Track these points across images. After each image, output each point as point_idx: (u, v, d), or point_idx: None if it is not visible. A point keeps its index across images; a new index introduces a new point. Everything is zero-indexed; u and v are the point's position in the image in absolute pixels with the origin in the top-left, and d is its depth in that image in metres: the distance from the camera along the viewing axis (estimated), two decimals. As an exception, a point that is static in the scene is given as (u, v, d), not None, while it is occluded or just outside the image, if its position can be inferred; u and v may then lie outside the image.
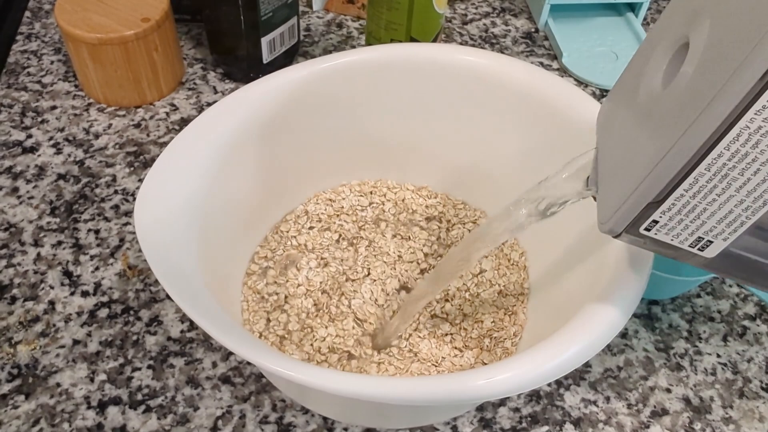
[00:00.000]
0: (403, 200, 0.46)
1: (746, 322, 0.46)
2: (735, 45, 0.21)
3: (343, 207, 0.45)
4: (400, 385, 0.28)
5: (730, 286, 0.48)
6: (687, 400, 0.41)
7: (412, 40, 0.49)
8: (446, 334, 0.39)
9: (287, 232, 0.44)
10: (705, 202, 0.24)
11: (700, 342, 0.44)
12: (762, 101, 0.21)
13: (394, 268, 0.42)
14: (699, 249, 0.26)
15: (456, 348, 0.39)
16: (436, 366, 0.38)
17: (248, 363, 0.41)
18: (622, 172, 0.26)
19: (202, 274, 0.34)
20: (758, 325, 0.45)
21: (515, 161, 0.42)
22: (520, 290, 0.41)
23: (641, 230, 0.26)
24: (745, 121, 0.21)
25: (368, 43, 0.52)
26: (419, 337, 0.39)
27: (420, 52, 0.40)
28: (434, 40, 0.50)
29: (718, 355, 0.44)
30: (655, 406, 0.41)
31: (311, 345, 0.39)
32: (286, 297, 0.41)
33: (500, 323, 0.40)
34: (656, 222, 0.25)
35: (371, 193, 0.46)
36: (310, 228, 0.44)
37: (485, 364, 0.38)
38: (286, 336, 0.39)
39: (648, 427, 0.40)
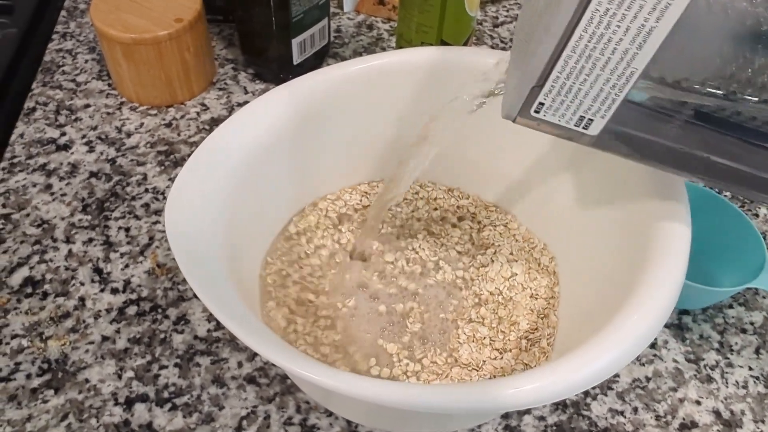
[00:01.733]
0: (435, 199, 0.46)
1: (780, 335, 0.45)
2: None
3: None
4: (428, 392, 0.28)
5: (764, 297, 0.46)
6: (717, 413, 0.41)
7: (443, 43, 0.48)
8: (484, 338, 0.39)
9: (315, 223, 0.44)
10: (578, 82, 0.27)
11: (732, 354, 0.43)
12: None
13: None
14: (583, 128, 0.28)
15: (496, 350, 0.39)
16: (477, 370, 0.38)
17: (274, 364, 0.41)
18: (518, 59, 0.29)
19: (228, 271, 0.34)
20: (793, 339, 0.44)
21: (549, 167, 0.41)
22: (551, 294, 0.41)
23: (532, 113, 0.28)
24: (593, 4, 0.24)
25: (399, 46, 0.51)
26: (458, 342, 0.39)
27: (452, 56, 0.40)
28: (465, 44, 0.50)
29: (750, 368, 0.43)
30: (684, 419, 0.40)
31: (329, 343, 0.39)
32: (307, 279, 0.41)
33: (535, 324, 0.40)
34: (542, 104, 0.28)
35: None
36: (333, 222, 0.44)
37: (526, 364, 0.38)
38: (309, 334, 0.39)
39: (676, 439, 0.39)
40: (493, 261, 0.42)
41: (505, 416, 0.40)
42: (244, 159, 0.37)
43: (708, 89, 0.26)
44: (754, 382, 0.42)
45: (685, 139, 0.28)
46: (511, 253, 0.43)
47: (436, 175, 0.47)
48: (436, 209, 0.46)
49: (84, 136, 0.54)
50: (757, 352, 0.44)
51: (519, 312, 0.40)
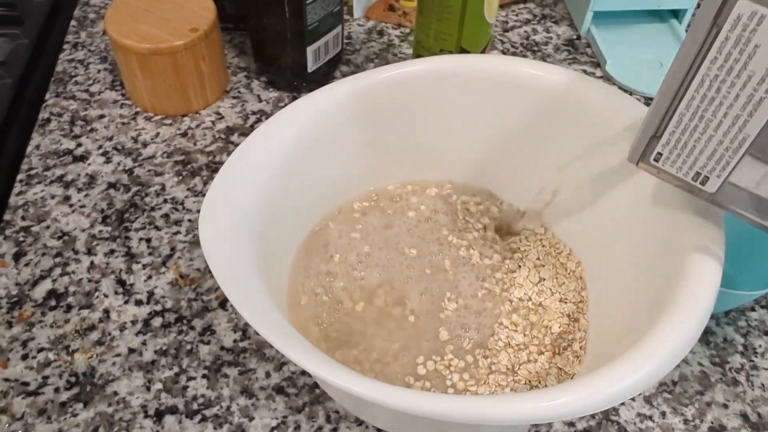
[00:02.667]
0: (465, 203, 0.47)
1: (803, 337, 0.45)
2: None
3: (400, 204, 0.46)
4: (464, 404, 0.28)
5: (785, 299, 0.47)
6: (745, 416, 0.41)
7: (462, 50, 0.48)
8: (519, 344, 0.39)
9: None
10: (692, 139, 0.28)
11: (756, 356, 0.44)
12: (712, 53, 0.25)
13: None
14: (701, 183, 0.30)
15: (530, 353, 0.39)
16: (513, 374, 0.38)
17: (302, 373, 0.41)
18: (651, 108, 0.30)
19: (262, 281, 0.34)
20: (815, 340, 0.45)
21: (579, 177, 0.42)
22: (579, 298, 0.41)
23: (651, 161, 0.31)
24: (703, 69, 0.26)
25: (416, 53, 0.52)
26: (497, 348, 0.39)
27: (481, 64, 0.40)
28: (483, 50, 0.50)
29: (775, 370, 0.43)
30: (712, 422, 0.40)
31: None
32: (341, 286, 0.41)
33: (566, 327, 0.40)
34: (660, 154, 0.30)
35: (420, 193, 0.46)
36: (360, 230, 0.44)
37: (560, 368, 0.38)
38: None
39: (706, 443, 0.40)
40: (520, 267, 0.43)
41: (535, 423, 0.40)
42: (274, 166, 0.37)
43: None
44: (780, 384, 0.42)
45: None
46: (538, 258, 0.43)
47: (465, 178, 0.47)
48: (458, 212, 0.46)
49: (100, 147, 0.54)
50: (780, 354, 0.44)
51: (550, 316, 0.40)
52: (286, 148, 0.38)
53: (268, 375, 0.41)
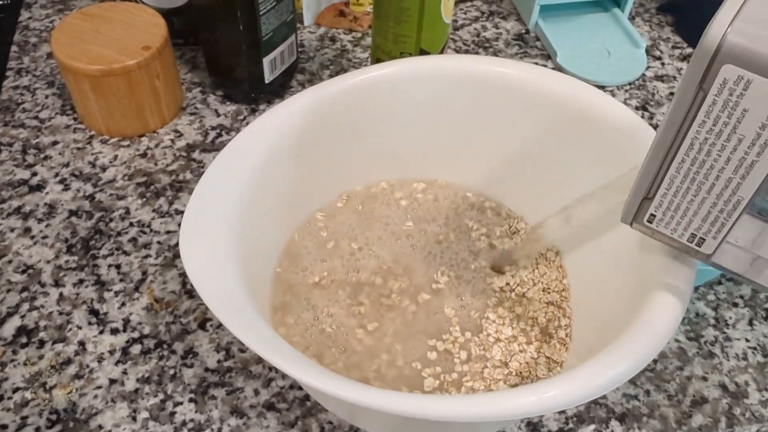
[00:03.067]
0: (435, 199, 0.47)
1: (768, 305, 0.47)
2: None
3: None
4: (456, 404, 0.28)
5: (749, 270, 0.49)
6: (724, 387, 0.42)
7: (422, 52, 0.49)
8: (509, 336, 0.40)
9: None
10: (686, 201, 0.28)
11: (728, 328, 0.45)
12: (700, 117, 0.25)
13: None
14: (696, 244, 0.29)
15: (520, 344, 0.40)
16: (506, 366, 0.39)
17: (290, 387, 0.41)
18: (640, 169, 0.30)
19: (248, 295, 0.34)
20: (780, 307, 0.47)
21: (550, 169, 0.43)
22: (561, 286, 0.42)
23: (645, 222, 0.30)
24: (692, 132, 0.25)
25: (375, 57, 0.52)
26: (489, 342, 0.39)
27: (452, 64, 0.41)
28: (442, 51, 0.50)
29: (747, 340, 0.45)
30: (694, 395, 0.42)
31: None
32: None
33: (551, 316, 0.41)
34: (654, 216, 0.29)
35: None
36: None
37: (548, 357, 0.39)
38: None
39: (690, 416, 0.41)
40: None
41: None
42: (249, 179, 0.37)
43: None
44: (753, 352, 0.44)
45: None
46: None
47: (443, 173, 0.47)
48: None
49: (57, 175, 0.52)
50: (750, 323, 0.46)
51: (534, 307, 0.41)
52: (260, 160, 0.38)
53: (256, 392, 0.40)
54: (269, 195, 0.39)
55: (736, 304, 0.47)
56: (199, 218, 0.34)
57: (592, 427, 0.40)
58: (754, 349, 0.44)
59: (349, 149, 0.43)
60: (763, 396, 0.42)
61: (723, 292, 0.47)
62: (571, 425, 0.40)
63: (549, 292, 0.42)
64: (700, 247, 0.29)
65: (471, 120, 0.43)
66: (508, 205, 0.47)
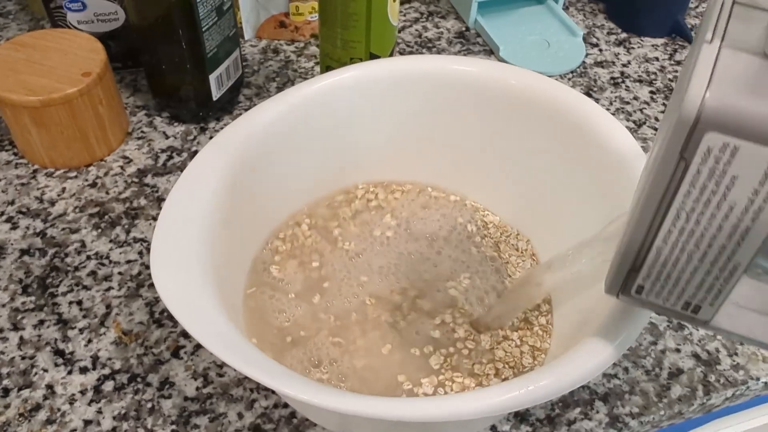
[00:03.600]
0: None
1: (728, 273, 0.48)
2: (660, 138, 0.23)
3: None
4: (444, 405, 0.28)
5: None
6: (696, 356, 0.44)
7: (372, 56, 0.49)
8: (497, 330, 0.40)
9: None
10: (676, 271, 0.26)
11: (694, 299, 0.47)
12: (684, 187, 0.23)
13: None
14: (692, 312, 0.27)
15: (503, 332, 0.40)
16: (492, 354, 0.39)
17: (275, 407, 0.40)
18: (622, 236, 0.28)
19: (227, 316, 0.33)
20: (739, 274, 0.48)
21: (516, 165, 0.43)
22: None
23: (633, 293, 0.27)
24: (677, 203, 0.23)
25: (324, 65, 0.51)
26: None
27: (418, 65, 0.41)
28: (391, 54, 0.50)
29: (712, 308, 0.46)
30: (670, 368, 0.43)
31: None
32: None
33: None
34: (642, 287, 0.27)
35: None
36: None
37: (531, 345, 0.39)
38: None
39: (669, 388, 0.42)
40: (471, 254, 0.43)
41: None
42: (213, 199, 0.36)
43: None
44: (719, 320, 0.46)
45: None
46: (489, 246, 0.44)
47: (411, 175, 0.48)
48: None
49: (2, 213, 0.49)
50: (713, 292, 0.47)
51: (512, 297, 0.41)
52: (222, 178, 0.37)
53: (240, 416, 0.39)
54: (234, 212, 0.38)
55: (698, 275, 0.48)
56: (168, 243, 0.33)
57: (578, 410, 0.41)
58: (720, 316, 0.46)
59: (311, 159, 0.43)
60: (734, 361, 0.43)
61: (684, 265, 0.49)
62: (557, 411, 0.41)
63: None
64: (696, 314, 0.27)
65: (429, 119, 0.43)
66: (472, 197, 0.47)
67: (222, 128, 0.47)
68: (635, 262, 0.26)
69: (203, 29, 0.50)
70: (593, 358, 0.29)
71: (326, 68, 0.51)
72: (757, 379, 0.43)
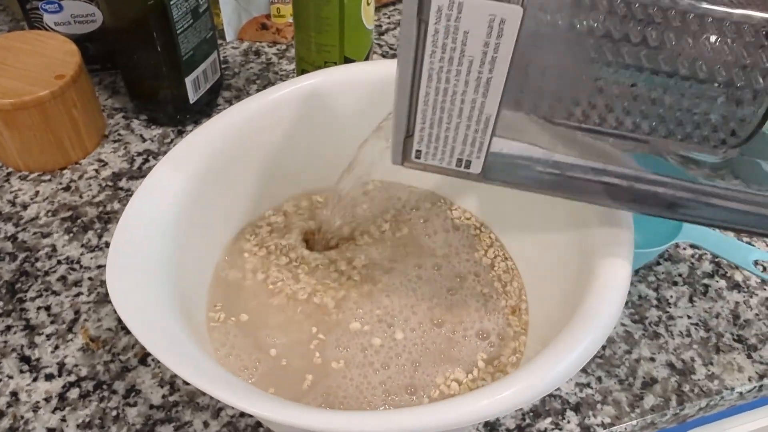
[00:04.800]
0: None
1: (706, 281, 0.48)
2: None
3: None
4: (411, 417, 0.28)
5: (684, 249, 0.50)
6: (671, 366, 0.43)
7: (347, 60, 0.48)
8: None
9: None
10: (443, 130, 0.28)
11: (670, 307, 0.46)
12: (428, 48, 0.26)
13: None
14: (465, 167, 0.30)
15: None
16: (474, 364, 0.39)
17: (241, 415, 0.39)
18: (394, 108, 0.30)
19: (186, 328, 0.32)
20: (717, 281, 0.48)
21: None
22: (505, 267, 0.43)
23: (413, 158, 0.30)
24: (426, 64, 0.26)
25: (300, 69, 0.51)
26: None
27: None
28: (367, 57, 0.50)
29: (689, 317, 0.46)
30: (644, 377, 0.42)
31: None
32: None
33: (507, 295, 0.42)
34: (420, 151, 0.30)
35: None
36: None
37: (513, 313, 0.40)
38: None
39: (642, 398, 0.41)
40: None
41: (484, 414, 0.40)
42: (174, 207, 0.35)
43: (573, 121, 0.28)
44: (695, 328, 0.45)
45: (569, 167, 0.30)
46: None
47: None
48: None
49: (-26, 217, 0.49)
50: (690, 300, 0.47)
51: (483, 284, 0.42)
52: (186, 182, 0.36)
53: (206, 425, 0.39)
54: (197, 219, 0.38)
55: (675, 283, 0.48)
56: (126, 252, 0.32)
57: (549, 420, 0.40)
58: (696, 325, 0.45)
59: (278, 163, 0.42)
60: (708, 370, 0.43)
61: (662, 272, 0.48)
62: (528, 420, 0.40)
63: (495, 269, 0.42)
64: (469, 168, 0.30)
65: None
66: (441, 193, 0.47)
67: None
68: (408, 129, 0.29)
69: (178, 32, 0.50)
70: (551, 371, 0.29)
71: (301, 71, 0.51)
72: (732, 389, 0.42)
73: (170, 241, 0.34)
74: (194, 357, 0.30)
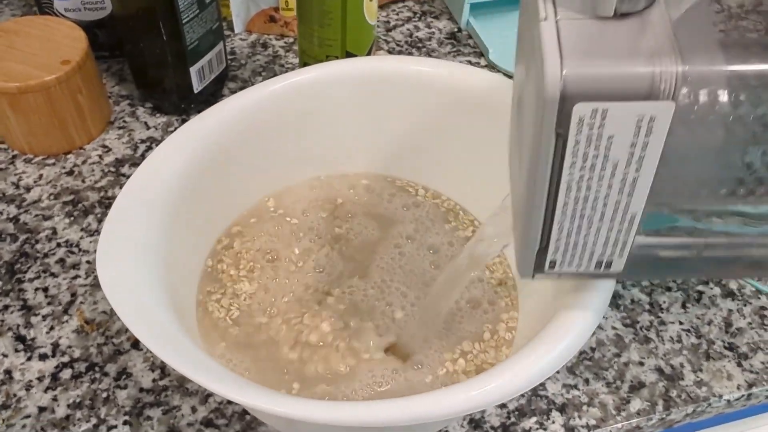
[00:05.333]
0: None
1: (700, 287, 0.48)
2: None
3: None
4: (394, 408, 0.28)
5: (680, 254, 0.50)
6: (660, 370, 0.43)
7: (349, 54, 0.48)
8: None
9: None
10: (582, 237, 0.27)
11: (662, 312, 0.46)
12: (568, 160, 0.24)
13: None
14: (605, 268, 0.28)
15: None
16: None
17: (228, 402, 0.40)
18: (517, 219, 0.28)
19: (173, 314, 0.33)
20: (711, 288, 0.48)
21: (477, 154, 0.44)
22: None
23: (547, 270, 0.28)
24: (565, 176, 0.24)
25: (303, 62, 0.51)
26: None
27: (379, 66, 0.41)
28: (369, 52, 0.50)
29: (681, 323, 0.46)
30: (632, 381, 0.42)
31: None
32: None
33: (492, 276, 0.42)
34: (554, 261, 0.28)
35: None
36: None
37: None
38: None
39: (629, 402, 0.41)
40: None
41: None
42: (168, 195, 0.36)
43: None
44: (686, 334, 0.45)
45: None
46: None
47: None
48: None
49: (-22, 198, 0.50)
50: (683, 306, 0.47)
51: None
52: (181, 172, 0.37)
53: (194, 410, 0.40)
54: (191, 206, 0.38)
55: (669, 288, 0.48)
56: (117, 238, 0.33)
57: (534, 419, 0.40)
58: (688, 331, 0.45)
59: (273, 155, 0.43)
60: (697, 377, 0.43)
61: (657, 278, 0.48)
62: (513, 419, 0.40)
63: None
64: (609, 269, 0.28)
65: (394, 117, 0.43)
66: (434, 186, 0.48)
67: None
68: (541, 243, 0.27)
69: (183, 22, 0.50)
70: (530, 369, 0.29)
71: (304, 65, 0.51)
72: (720, 396, 0.42)
73: (163, 227, 0.35)
74: (181, 343, 0.31)
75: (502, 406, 0.41)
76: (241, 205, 0.45)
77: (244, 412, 0.40)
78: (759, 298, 0.47)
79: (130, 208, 0.34)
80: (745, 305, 0.47)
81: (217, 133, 0.38)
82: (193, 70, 0.54)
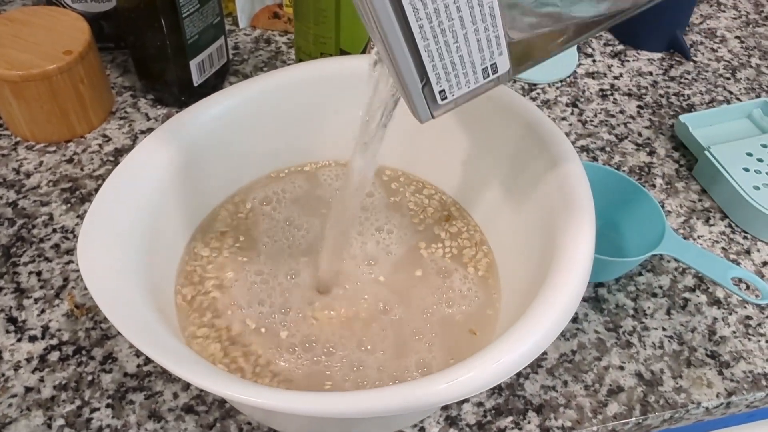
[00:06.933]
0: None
1: (686, 294, 0.48)
2: None
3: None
4: (366, 399, 0.28)
5: (668, 262, 0.50)
6: (639, 375, 0.43)
7: (343, 52, 0.49)
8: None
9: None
10: (455, 50, 0.26)
11: (646, 318, 0.46)
12: None
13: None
14: (493, 73, 0.27)
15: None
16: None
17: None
18: (390, 70, 0.27)
19: (151, 303, 0.34)
20: (698, 296, 0.48)
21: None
22: (475, 240, 0.45)
23: (441, 102, 0.27)
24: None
25: (298, 58, 0.52)
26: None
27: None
28: (364, 51, 0.51)
29: (664, 329, 0.46)
30: (610, 385, 0.43)
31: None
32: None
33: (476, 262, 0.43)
34: (443, 90, 0.27)
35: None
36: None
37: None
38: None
39: (606, 405, 0.42)
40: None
41: (446, 407, 0.41)
42: (152, 186, 0.37)
43: None
44: (669, 341, 0.45)
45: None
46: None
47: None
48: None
49: (-21, 182, 0.51)
50: (668, 313, 0.47)
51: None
52: (165, 165, 0.38)
53: (175, 396, 0.40)
54: (174, 198, 0.39)
55: (655, 294, 0.48)
56: (99, 228, 0.34)
57: (510, 418, 0.41)
58: (671, 337, 0.45)
59: (259, 149, 0.44)
60: (677, 383, 0.43)
61: (643, 283, 0.48)
62: (489, 418, 0.41)
63: (461, 239, 0.45)
64: (497, 72, 0.27)
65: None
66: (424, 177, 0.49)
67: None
68: (421, 78, 0.26)
69: (184, 16, 0.51)
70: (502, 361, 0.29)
71: (299, 62, 0.52)
72: (698, 404, 0.42)
73: (146, 216, 0.36)
74: (159, 334, 0.31)
75: (479, 404, 0.41)
76: (221, 196, 0.45)
77: (224, 400, 0.40)
78: (745, 307, 0.47)
79: (114, 197, 0.35)
80: (730, 314, 0.47)
81: (201, 128, 0.39)
82: (193, 64, 0.55)
